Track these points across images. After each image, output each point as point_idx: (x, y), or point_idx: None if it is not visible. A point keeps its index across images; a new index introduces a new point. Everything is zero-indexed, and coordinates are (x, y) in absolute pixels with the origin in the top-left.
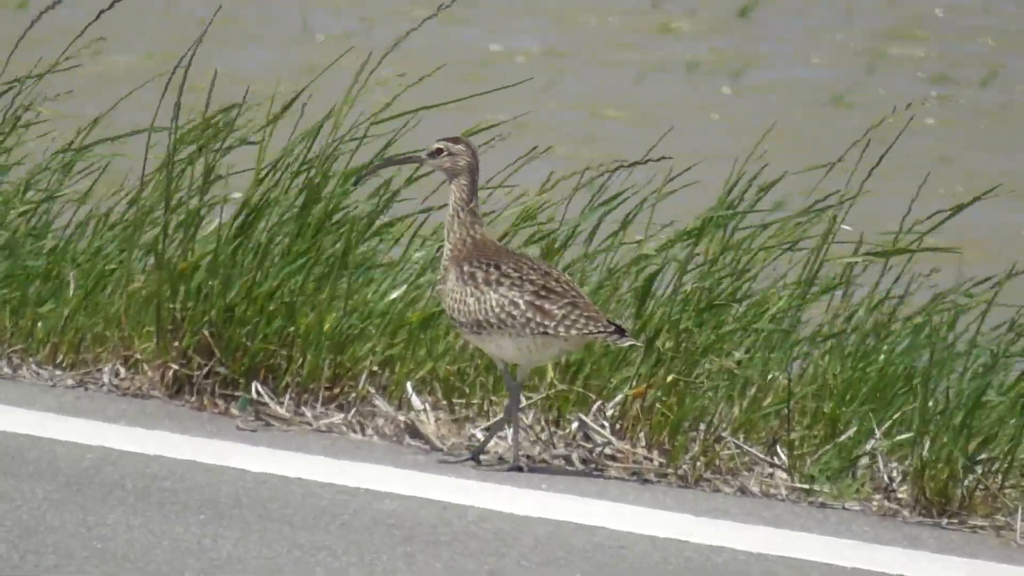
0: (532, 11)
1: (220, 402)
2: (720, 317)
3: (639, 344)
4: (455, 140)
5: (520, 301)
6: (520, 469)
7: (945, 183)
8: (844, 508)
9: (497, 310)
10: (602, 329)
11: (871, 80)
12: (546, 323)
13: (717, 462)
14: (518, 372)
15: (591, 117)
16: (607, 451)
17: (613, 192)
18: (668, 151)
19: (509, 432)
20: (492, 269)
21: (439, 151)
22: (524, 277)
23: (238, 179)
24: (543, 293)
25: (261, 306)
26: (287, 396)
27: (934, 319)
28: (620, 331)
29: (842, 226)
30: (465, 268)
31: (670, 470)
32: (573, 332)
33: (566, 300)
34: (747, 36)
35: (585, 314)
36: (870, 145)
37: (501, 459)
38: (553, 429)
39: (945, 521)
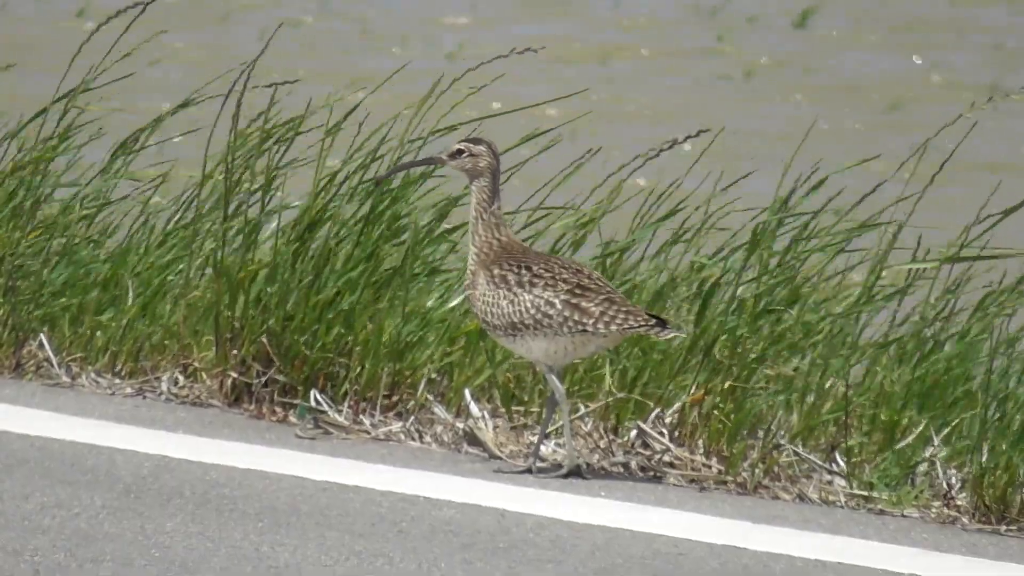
0: (583, 15)
1: (279, 410)
2: (777, 323)
3: (683, 335)
4: (476, 141)
5: (556, 301)
6: (578, 469)
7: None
8: (903, 515)
9: (533, 311)
10: (642, 323)
11: (929, 85)
12: (584, 321)
13: (775, 469)
14: (555, 370)
15: (647, 122)
16: (666, 458)
17: (670, 203)
18: (722, 155)
19: (564, 431)
20: (524, 271)
21: (459, 152)
22: (557, 276)
23: (296, 188)
24: (578, 291)
25: (320, 314)
26: (346, 404)
27: (991, 323)
28: (662, 323)
29: (895, 228)
30: (495, 271)
31: (729, 477)
32: (613, 328)
33: (602, 296)
34: (804, 44)
35: (623, 309)
36: (927, 151)
37: (560, 465)
38: (612, 437)
39: (1004, 528)
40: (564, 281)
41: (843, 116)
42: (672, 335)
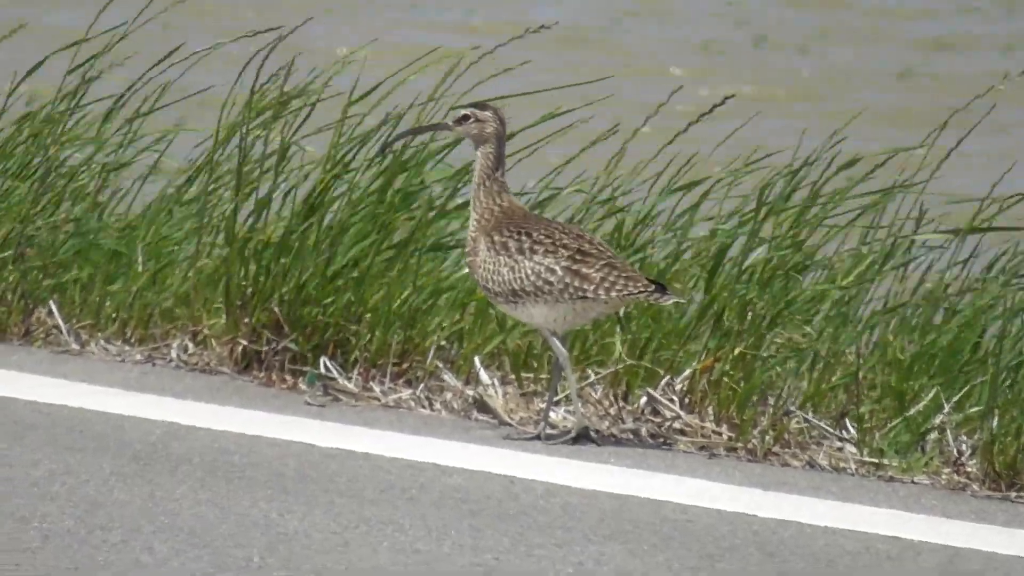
0: None
1: (288, 377)
2: (789, 290)
3: (683, 300)
4: (482, 106)
5: (556, 267)
6: (587, 431)
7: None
8: (913, 482)
9: (533, 278)
10: (642, 289)
11: (946, 55)
12: (585, 287)
13: (786, 436)
14: (558, 334)
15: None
16: (676, 425)
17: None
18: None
19: (572, 394)
20: (524, 237)
21: (466, 117)
22: (557, 243)
23: (312, 157)
24: (579, 257)
25: (330, 282)
26: (355, 371)
27: (1005, 293)
28: (662, 288)
29: (918, 198)
30: (496, 238)
31: (739, 444)
32: (613, 294)
33: (603, 262)
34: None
35: (624, 275)
36: (949, 121)
37: (569, 431)
38: (622, 404)
39: (1014, 495)
40: (565, 247)
41: (858, 76)
42: (672, 300)
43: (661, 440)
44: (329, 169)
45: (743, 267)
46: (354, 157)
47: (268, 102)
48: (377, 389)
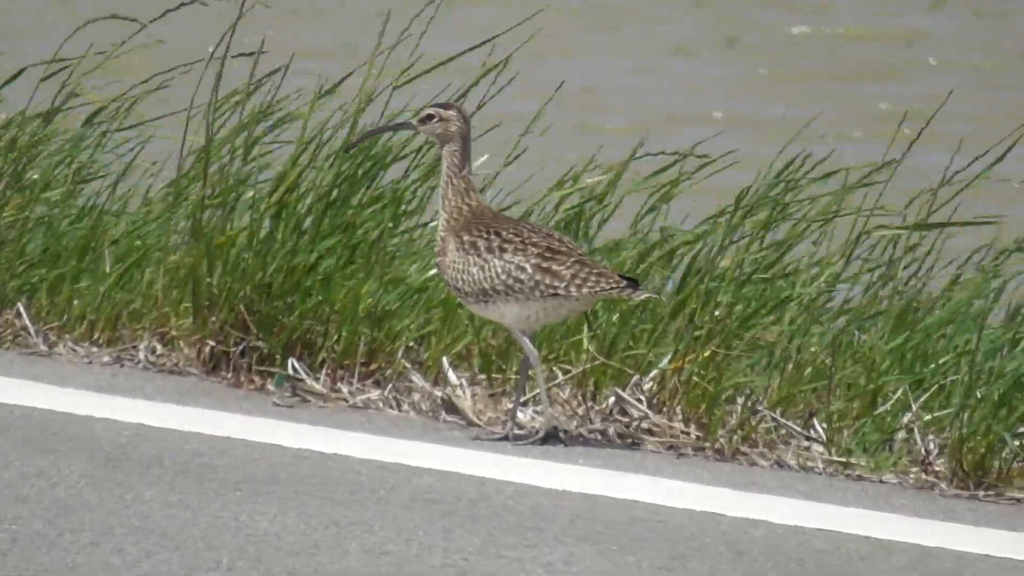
0: None
1: (256, 378)
2: (759, 291)
3: (656, 296)
4: (446, 106)
5: (527, 265)
6: (555, 431)
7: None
8: (881, 481)
9: (503, 276)
10: (614, 285)
11: (912, 51)
12: (556, 284)
13: (754, 436)
14: (527, 332)
15: (634, 87)
16: (644, 425)
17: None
18: (716, 122)
19: (541, 394)
20: (493, 236)
21: (429, 117)
22: (526, 241)
23: (279, 154)
24: (548, 255)
25: (298, 282)
26: (323, 372)
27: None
28: (633, 284)
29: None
30: (465, 238)
31: (707, 444)
32: (584, 291)
33: (573, 259)
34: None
35: (595, 271)
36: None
37: (537, 431)
38: (590, 403)
39: (982, 493)
40: (534, 245)
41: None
42: (645, 296)
43: (629, 440)
44: (294, 167)
45: (713, 269)
46: (319, 154)
47: (236, 96)
48: (345, 390)
